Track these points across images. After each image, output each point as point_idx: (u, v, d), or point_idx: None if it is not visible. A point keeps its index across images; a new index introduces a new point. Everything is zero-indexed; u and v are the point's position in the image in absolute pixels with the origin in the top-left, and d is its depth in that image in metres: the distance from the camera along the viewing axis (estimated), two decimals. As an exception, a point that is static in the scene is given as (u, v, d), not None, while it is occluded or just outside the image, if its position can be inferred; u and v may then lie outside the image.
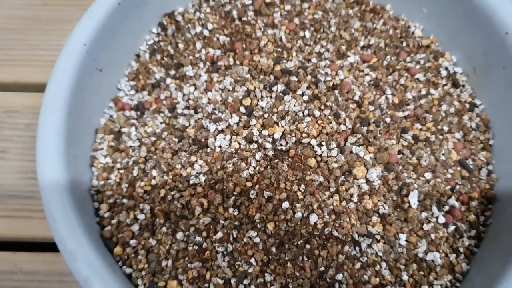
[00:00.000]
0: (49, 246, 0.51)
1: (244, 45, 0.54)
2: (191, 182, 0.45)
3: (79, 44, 0.49)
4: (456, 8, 0.54)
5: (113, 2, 0.51)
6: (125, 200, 0.47)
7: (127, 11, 0.53)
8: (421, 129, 0.50)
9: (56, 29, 0.66)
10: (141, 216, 0.45)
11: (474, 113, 0.53)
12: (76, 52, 0.48)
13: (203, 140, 0.47)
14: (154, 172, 0.47)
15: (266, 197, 0.43)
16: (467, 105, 0.53)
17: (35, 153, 0.43)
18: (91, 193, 0.48)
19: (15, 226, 0.55)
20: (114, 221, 0.46)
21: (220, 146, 0.47)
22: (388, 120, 0.49)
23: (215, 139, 0.47)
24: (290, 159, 0.45)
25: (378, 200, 0.45)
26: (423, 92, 0.53)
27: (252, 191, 0.44)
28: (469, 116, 0.52)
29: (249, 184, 0.44)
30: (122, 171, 0.49)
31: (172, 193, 0.45)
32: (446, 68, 0.56)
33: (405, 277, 0.43)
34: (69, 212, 0.42)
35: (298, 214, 0.43)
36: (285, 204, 0.43)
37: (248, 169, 0.45)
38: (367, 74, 0.52)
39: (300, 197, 0.43)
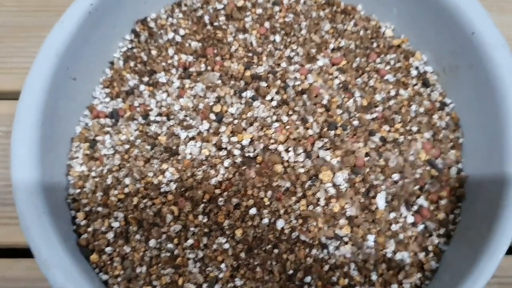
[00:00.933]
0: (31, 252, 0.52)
1: (215, 51, 0.55)
2: (162, 190, 0.46)
3: (51, 53, 0.49)
4: (425, 8, 0.55)
5: (84, 9, 0.52)
6: (100, 208, 0.48)
7: (99, 19, 0.53)
8: (389, 131, 0.51)
9: (32, 35, 0.66)
10: (115, 224, 0.47)
11: (444, 112, 0.54)
12: (49, 62, 0.49)
13: (174, 147, 0.48)
14: (127, 180, 0.48)
15: (234, 204, 0.44)
16: (438, 104, 0.54)
17: (11, 161, 0.44)
18: (68, 201, 0.49)
19: (-1, 233, 0.56)
20: (90, 229, 0.47)
21: (190, 153, 0.48)
22: (356, 123, 0.50)
23: (186, 146, 0.48)
24: (257, 165, 0.46)
25: (346, 203, 0.46)
26: (393, 93, 0.53)
27: (220, 198, 0.45)
28: (439, 115, 0.53)
29: (217, 191, 0.45)
30: (97, 179, 0.50)
31: (144, 201, 0.46)
32: (417, 68, 0.56)
33: (374, 277, 0.45)
34: (44, 220, 0.43)
35: (265, 220, 0.44)
36: (252, 211, 0.44)
37: (217, 176, 0.46)
38: (336, 77, 0.53)
39: (267, 203, 0.45)
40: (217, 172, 0.46)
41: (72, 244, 0.46)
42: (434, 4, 0.53)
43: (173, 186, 0.46)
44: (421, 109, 0.53)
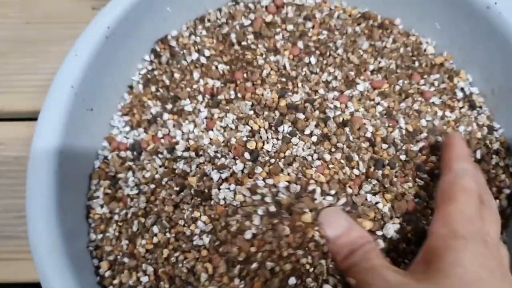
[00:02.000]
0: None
1: (245, 75, 0.50)
2: (194, 243, 0.42)
3: (66, 87, 0.45)
4: (472, 24, 0.50)
5: (100, 36, 0.47)
6: (126, 259, 0.43)
7: (116, 43, 0.49)
8: (435, 162, 0.46)
9: (39, 50, 0.61)
10: (144, 279, 0.42)
11: (493, 136, 0.49)
12: (64, 96, 0.44)
13: (206, 190, 0.44)
14: (155, 229, 0.43)
15: (269, 269, 0.39)
16: (485, 129, 0.50)
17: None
18: (90, 249, 0.45)
19: (11, 269, 0.52)
20: (116, 282, 0.43)
21: (224, 199, 0.43)
22: (403, 157, 0.46)
23: (219, 190, 0.44)
24: (290, 216, 0.41)
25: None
26: (439, 114, 0.49)
27: (254, 259, 0.40)
28: (488, 140, 0.49)
29: (253, 249, 0.40)
30: (121, 224, 0.45)
31: (176, 254, 0.42)
32: (462, 89, 0.52)
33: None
34: (67, 278, 0.39)
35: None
36: (292, 280, 0.39)
37: (251, 228, 0.41)
38: (379, 103, 0.49)
39: (309, 268, 0.39)
40: (251, 223, 0.41)
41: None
42: (485, 23, 0.49)
43: (206, 239, 0.42)
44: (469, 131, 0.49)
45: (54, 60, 0.58)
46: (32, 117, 0.57)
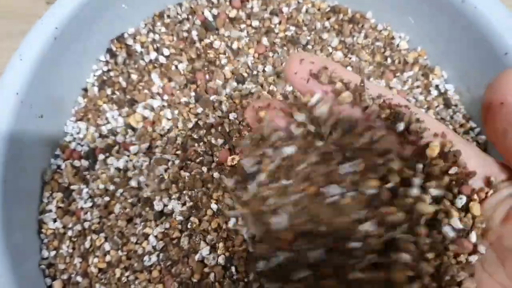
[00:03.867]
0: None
1: (207, 76, 0.47)
2: (145, 263, 0.39)
3: (10, 94, 0.41)
4: (447, 18, 0.47)
5: (47, 37, 0.43)
6: (79, 278, 0.41)
7: (66, 44, 0.45)
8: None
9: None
10: (98, 300, 0.40)
11: (469, 136, 0.47)
12: (9, 104, 0.41)
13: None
14: (107, 246, 0.41)
15: None
16: (461, 129, 0.47)
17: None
18: (42, 267, 0.42)
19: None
20: (69, 303, 0.40)
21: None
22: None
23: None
24: None
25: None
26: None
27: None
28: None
29: (207, 270, 0.37)
30: (74, 240, 0.42)
31: (127, 274, 0.39)
32: (437, 86, 0.49)
33: None
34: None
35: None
36: None
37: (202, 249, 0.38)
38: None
39: None
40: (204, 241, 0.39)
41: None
42: (461, 17, 0.46)
43: (155, 259, 0.39)
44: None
45: (5, 56, 0.55)
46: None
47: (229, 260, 0.38)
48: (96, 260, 0.41)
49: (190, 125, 0.45)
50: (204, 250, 0.39)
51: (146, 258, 0.39)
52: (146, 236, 0.40)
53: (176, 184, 0.42)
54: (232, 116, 0.44)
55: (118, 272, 0.40)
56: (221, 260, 0.38)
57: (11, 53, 0.43)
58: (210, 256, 0.39)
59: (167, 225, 0.40)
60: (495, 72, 0.43)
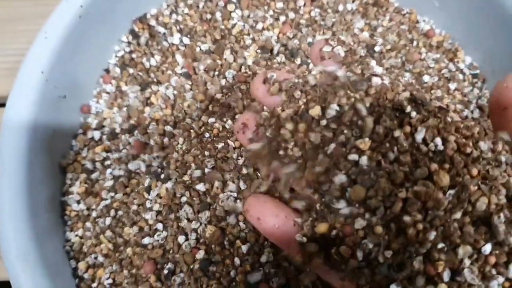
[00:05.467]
0: None
1: (232, 55, 0.46)
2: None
3: (35, 72, 0.40)
4: (476, 4, 0.47)
5: (72, 15, 0.42)
6: (101, 258, 0.40)
7: (90, 23, 0.44)
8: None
9: (7, 30, 0.56)
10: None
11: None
12: (33, 83, 0.40)
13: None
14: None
15: None
16: (486, 113, 0.47)
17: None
18: (66, 249, 0.41)
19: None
20: (95, 284, 0.40)
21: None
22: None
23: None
24: None
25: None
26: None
27: None
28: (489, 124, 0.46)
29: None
30: (97, 220, 0.42)
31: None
32: (461, 70, 0.49)
33: None
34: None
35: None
36: None
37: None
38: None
39: None
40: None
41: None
42: (489, 1, 0.45)
43: None
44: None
45: (23, 40, 0.54)
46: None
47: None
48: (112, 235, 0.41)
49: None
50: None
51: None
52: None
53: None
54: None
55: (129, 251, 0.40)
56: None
57: (28, 37, 0.42)
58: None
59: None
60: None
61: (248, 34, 0.48)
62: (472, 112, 0.47)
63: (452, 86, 0.48)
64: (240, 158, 0.41)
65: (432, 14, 0.51)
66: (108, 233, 0.41)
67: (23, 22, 0.56)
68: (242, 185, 0.40)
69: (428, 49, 0.49)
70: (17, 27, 0.56)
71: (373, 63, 0.47)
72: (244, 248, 0.38)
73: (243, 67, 0.46)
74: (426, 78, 0.47)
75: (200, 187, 0.40)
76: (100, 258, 0.41)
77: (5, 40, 0.55)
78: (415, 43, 0.49)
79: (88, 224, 0.42)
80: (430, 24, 0.51)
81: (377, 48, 0.48)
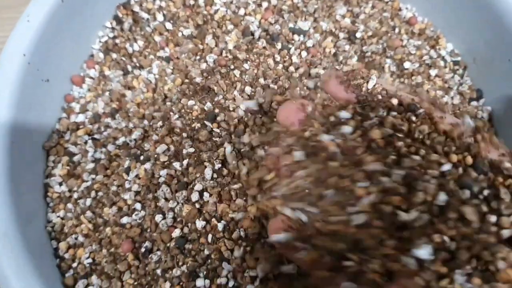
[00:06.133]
0: None
1: (214, 40, 0.47)
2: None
3: (17, 55, 0.41)
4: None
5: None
6: (81, 238, 0.41)
7: (73, 8, 0.45)
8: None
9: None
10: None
11: (474, 107, 0.47)
12: (15, 66, 0.41)
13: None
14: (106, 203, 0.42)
15: None
16: (467, 100, 0.47)
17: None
18: (48, 229, 0.42)
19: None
20: (75, 264, 0.40)
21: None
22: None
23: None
24: None
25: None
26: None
27: None
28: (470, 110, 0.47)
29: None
30: (78, 202, 0.42)
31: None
32: (443, 58, 0.49)
33: None
34: (25, 268, 0.36)
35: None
36: None
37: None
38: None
39: None
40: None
41: (57, 286, 0.39)
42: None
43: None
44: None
45: (8, 28, 0.54)
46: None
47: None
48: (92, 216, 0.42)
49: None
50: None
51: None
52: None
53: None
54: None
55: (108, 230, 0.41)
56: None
57: (12, 24, 0.42)
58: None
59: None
60: (502, 44, 0.44)
61: (230, 20, 0.48)
62: (452, 98, 0.47)
63: (433, 72, 0.48)
64: (218, 138, 0.42)
65: (414, 2, 0.52)
66: (89, 213, 0.42)
67: (8, 10, 0.56)
68: (218, 165, 0.41)
69: (409, 36, 0.50)
70: (2, 15, 0.56)
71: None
72: (220, 226, 0.39)
73: (224, 52, 0.46)
74: (407, 64, 0.48)
75: (177, 165, 0.41)
76: (81, 238, 0.41)
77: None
78: (397, 30, 0.50)
79: (69, 205, 0.42)
80: (412, 11, 0.52)
81: (358, 35, 0.48)
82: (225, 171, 0.41)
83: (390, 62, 0.48)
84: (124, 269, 0.39)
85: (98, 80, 0.47)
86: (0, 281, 0.35)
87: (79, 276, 0.40)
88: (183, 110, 0.44)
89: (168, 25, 0.48)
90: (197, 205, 0.40)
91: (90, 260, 0.40)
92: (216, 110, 0.43)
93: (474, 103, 0.47)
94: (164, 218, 0.40)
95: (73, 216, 0.42)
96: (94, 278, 0.40)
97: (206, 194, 0.40)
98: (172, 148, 0.42)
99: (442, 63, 0.49)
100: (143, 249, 0.39)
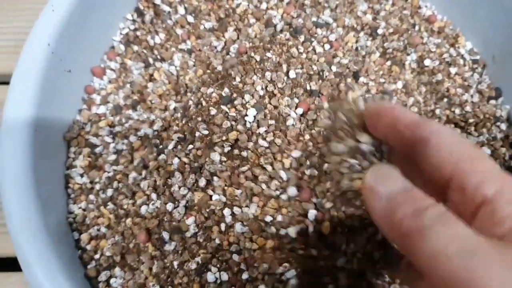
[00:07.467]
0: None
1: (236, 34, 0.47)
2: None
3: (42, 45, 0.41)
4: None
5: (79, -11, 0.43)
6: (103, 229, 0.41)
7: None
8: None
9: (7, 8, 0.56)
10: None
11: (493, 105, 0.47)
12: (39, 55, 0.40)
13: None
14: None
15: None
16: (485, 98, 0.48)
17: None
18: (69, 220, 0.42)
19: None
20: (97, 256, 0.40)
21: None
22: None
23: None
24: None
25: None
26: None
27: None
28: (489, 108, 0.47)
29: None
30: (100, 193, 0.42)
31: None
32: (462, 56, 0.50)
33: None
34: (47, 255, 0.36)
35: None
36: None
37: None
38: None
39: None
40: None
41: (80, 276, 0.39)
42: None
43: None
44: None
45: (23, 18, 0.54)
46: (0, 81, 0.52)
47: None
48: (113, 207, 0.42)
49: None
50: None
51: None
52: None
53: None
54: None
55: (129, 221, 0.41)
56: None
57: (28, 15, 0.42)
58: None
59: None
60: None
61: (252, 14, 0.48)
62: (472, 96, 0.47)
63: (453, 70, 0.48)
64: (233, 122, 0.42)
65: (434, 0, 0.52)
66: (110, 205, 0.41)
67: (24, 1, 0.56)
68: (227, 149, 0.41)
69: (429, 34, 0.50)
70: (17, 6, 0.56)
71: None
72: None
73: (245, 42, 0.46)
74: (427, 62, 0.48)
75: (190, 148, 0.41)
76: (103, 229, 0.41)
77: (5, 19, 0.55)
78: (417, 27, 0.50)
79: (91, 197, 0.42)
80: (431, 9, 0.52)
81: (379, 31, 0.49)
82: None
83: (410, 59, 0.48)
84: (147, 260, 0.39)
85: (119, 72, 0.47)
86: (23, 267, 0.35)
87: (101, 267, 0.40)
88: (202, 98, 0.43)
89: (190, 18, 0.48)
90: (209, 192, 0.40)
91: (112, 251, 0.40)
92: (234, 95, 0.43)
93: (492, 101, 0.48)
94: (177, 206, 0.40)
95: (95, 207, 0.42)
96: (117, 270, 0.40)
97: (215, 178, 0.40)
98: (188, 136, 0.42)
99: (461, 61, 0.49)
100: (159, 240, 0.39)
